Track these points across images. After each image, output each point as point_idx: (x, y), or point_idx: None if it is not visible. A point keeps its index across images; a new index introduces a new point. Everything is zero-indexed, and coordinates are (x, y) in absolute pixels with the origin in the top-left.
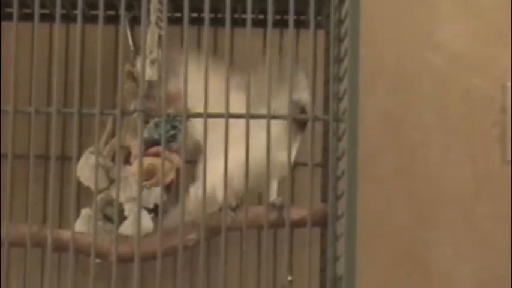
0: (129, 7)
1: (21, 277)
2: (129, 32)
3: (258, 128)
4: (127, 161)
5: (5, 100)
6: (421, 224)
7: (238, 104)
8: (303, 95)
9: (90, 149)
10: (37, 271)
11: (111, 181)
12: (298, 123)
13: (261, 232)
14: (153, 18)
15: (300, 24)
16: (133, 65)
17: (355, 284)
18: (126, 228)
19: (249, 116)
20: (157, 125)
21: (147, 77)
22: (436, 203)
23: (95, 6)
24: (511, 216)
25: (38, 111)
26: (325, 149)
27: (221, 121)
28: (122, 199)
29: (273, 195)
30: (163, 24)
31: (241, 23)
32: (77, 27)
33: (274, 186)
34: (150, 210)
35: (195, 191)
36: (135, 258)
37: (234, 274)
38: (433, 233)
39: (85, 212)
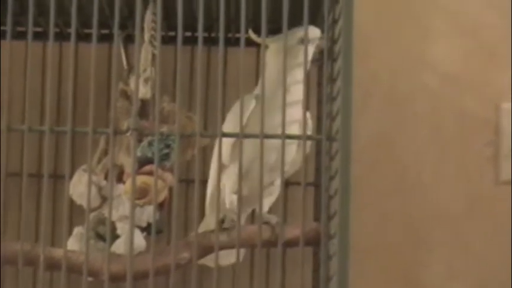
0: (123, 26)
1: None
2: (122, 51)
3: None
4: (120, 179)
5: None
6: (414, 243)
7: None
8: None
9: (83, 167)
10: None
11: (104, 199)
12: None
13: (253, 251)
14: (146, 36)
15: None
16: (126, 83)
17: None
18: (119, 246)
19: (263, 136)
20: (150, 144)
21: (140, 96)
22: (429, 223)
23: (88, 25)
24: (511, 236)
25: (31, 129)
26: (318, 169)
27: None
28: (114, 218)
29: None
30: (157, 43)
31: (235, 42)
32: (70, 46)
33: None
34: (142, 229)
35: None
36: (128, 276)
37: None
38: (426, 252)
39: (77, 230)
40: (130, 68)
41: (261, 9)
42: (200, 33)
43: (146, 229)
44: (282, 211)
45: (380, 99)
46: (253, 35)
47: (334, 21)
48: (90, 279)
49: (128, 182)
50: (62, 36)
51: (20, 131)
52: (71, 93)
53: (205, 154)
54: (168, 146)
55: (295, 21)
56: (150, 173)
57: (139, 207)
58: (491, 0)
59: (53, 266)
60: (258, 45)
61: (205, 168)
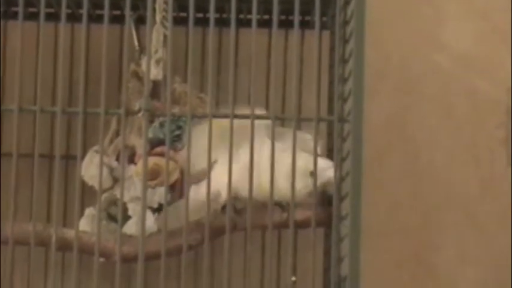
0: (135, 7)
1: (25, 276)
2: (134, 32)
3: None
4: (131, 160)
5: (10, 99)
6: (426, 226)
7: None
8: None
9: (95, 148)
10: (41, 270)
11: (116, 180)
12: None
13: (265, 233)
14: (158, 18)
15: (305, 24)
16: (138, 64)
17: (359, 285)
18: (130, 227)
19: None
20: (162, 125)
21: (152, 77)
22: (441, 205)
23: (100, 6)
24: None
25: (43, 110)
26: (329, 150)
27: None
28: (126, 199)
29: None
30: (169, 24)
31: (247, 23)
32: (82, 27)
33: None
34: (154, 210)
35: (195, 193)
36: (139, 257)
37: (238, 274)
38: (438, 235)
39: (89, 211)
40: (142, 49)
41: None
42: (212, 14)
43: (158, 210)
44: (292, 193)
45: (392, 81)
46: None
47: (346, 3)
48: (101, 260)
49: (140, 163)
50: (73, 17)
51: (31, 112)
52: (83, 74)
53: None
54: (179, 128)
55: (307, 2)
56: (161, 154)
57: (151, 189)
58: None
59: (64, 246)
60: (269, 26)
61: None
